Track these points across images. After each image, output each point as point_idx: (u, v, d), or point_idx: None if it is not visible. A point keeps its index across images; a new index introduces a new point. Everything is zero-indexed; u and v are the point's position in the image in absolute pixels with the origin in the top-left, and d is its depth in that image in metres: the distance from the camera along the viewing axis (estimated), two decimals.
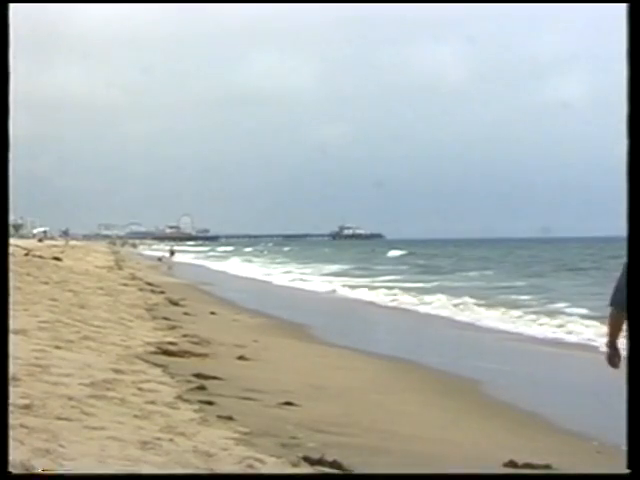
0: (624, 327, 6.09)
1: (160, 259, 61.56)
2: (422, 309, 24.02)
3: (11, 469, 3.89)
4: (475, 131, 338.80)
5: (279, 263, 64.48)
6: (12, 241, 34.17)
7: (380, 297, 28.27)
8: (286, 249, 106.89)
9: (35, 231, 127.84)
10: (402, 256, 77.44)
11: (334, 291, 32.10)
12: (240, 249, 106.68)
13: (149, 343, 11.26)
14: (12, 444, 4.25)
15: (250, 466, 5.13)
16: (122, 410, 6.40)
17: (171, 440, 5.52)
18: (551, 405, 9.81)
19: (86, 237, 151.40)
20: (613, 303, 6.50)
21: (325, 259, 69.59)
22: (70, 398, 6.43)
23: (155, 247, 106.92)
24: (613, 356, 6.51)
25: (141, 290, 23.64)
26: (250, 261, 70.01)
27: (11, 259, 16.81)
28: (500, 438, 7.92)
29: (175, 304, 19.64)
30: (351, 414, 7.94)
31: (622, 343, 5.67)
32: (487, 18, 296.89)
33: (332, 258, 71.93)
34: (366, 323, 22.14)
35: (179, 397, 7.33)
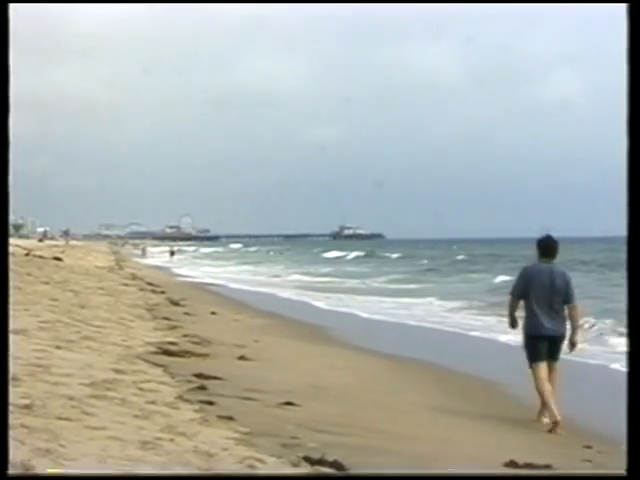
0: (518, 307, 9.28)
1: (143, 250, 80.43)
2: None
3: (11, 469, 3.90)
4: (475, 130, 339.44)
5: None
6: (12, 241, 34.18)
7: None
8: (253, 249, 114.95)
9: (39, 230, 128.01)
10: (334, 258, 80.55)
11: None
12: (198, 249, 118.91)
13: (150, 343, 11.26)
14: (12, 444, 4.25)
15: (250, 466, 5.13)
16: (123, 410, 6.40)
17: (172, 440, 5.52)
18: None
19: (86, 237, 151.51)
20: (512, 293, 9.36)
21: (260, 260, 74.33)
22: (71, 398, 6.43)
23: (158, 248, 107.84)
24: (512, 322, 9.41)
25: (142, 290, 23.64)
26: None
27: (12, 259, 16.81)
28: (501, 438, 7.92)
29: (175, 304, 19.64)
30: (351, 414, 7.93)
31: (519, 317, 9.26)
32: (486, 18, 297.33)
33: (277, 259, 76.92)
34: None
35: (180, 397, 7.33)
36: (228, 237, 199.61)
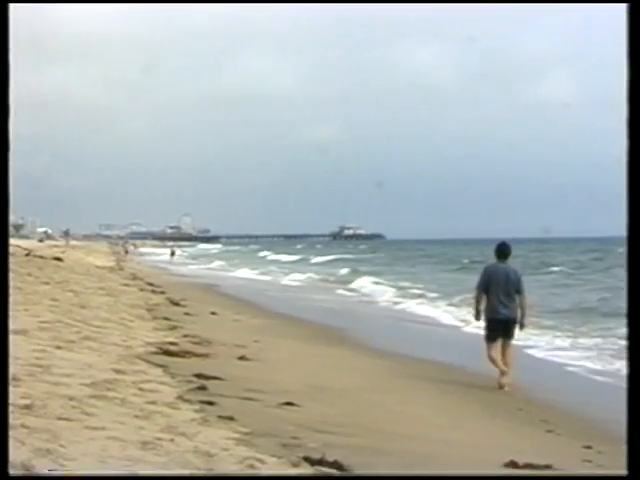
0: (482, 300, 11.55)
1: (125, 249, 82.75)
2: None
3: (11, 469, 3.90)
4: (474, 131, 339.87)
5: None
6: (13, 241, 34.18)
7: None
8: (214, 250, 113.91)
9: (40, 230, 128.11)
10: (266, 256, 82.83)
11: None
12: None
13: (150, 343, 11.26)
14: (13, 444, 4.26)
15: (251, 466, 5.13)
16: (123, 410, 6.40)
17: (172, 440, 5.52)
18: (551, 403, 9.81)
19: (87, 237, 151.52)
20: (477, 287, 11.69)
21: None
22: (71, 398, 6.43)
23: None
24: (477, 315, 11.74)
25: (142, 290, 23.61)
26: None
27: (12, 259, 16.80)
28: (501, 438, 7.92)
29: (176, 304, 19.62)
30: (352, 414, 7.93)
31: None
32: (483, 17, 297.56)
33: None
34: None
35: (180, 397, 7.33)
36: (228, 237, 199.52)
